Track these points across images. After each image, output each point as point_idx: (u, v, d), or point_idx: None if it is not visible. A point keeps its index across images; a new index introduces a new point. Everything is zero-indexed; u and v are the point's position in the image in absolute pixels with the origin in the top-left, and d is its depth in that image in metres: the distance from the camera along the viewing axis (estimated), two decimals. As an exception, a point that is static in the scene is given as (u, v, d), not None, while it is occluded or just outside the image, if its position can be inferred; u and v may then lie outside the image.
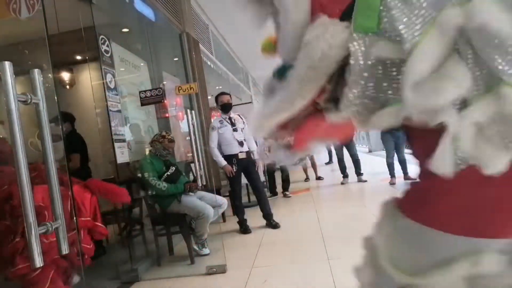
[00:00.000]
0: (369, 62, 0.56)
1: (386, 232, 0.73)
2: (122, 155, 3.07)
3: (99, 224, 2.13)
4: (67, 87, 4.77)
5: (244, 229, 3.84)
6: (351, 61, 0.57)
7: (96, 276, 2.87)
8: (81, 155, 3.51)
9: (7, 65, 0.87)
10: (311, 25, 0.61)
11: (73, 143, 3.48)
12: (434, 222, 0.66)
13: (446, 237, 0.63)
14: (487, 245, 0.61)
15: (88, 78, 3.43)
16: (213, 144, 3.90)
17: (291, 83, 0.66)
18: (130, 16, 3.89)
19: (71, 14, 2.77)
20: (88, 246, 2.04)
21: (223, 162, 3.87)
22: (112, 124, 2.96)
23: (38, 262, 0.88)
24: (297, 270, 2.53)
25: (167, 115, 4.37)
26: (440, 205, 0.66)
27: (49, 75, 2.33)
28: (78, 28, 2.78)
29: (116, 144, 2.98)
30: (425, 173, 0.66)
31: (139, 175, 3.15)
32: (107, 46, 3.14)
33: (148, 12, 4.01)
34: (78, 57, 4.52)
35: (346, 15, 0.58)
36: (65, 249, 1.00)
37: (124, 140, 3.17)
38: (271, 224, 3.85)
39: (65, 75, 4.72)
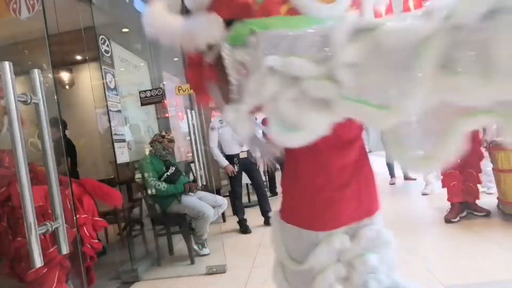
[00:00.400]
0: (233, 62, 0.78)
1: (276, 233, 1.00)
2: (122, 155, 3.07)
3: (98, 218, 2.14)
4: (67, 87, 4.76)
5: (244, 229, 3.84)
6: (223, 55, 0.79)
7: (96, 276, 2.86)
8: (71, 160, 3.51)
9: (7, 65, 0.87)
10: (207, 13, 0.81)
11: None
12: (293, 220, 0.93)
13: (303, 232, 0.89)
14: (332, 234, 0.87)
15: (88, 78, 3.43)
16: (213, 144, 3.90)
17: None
18: (130, 16, 3.89)
19: (71, 14, 2.77)
20: (96, 241, 2.07)
21: (225, 162, 3.87)
22: (112, 124, 2.96)
23: (38, 262, 0.88)
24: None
25: (167, 115, 4.37)
26: (294, 207, 0.95)
27: (49, 75, 2.33)
28: (78, 28, 2.79)
29: (116, 144, 2.98)
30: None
31: (139, 175, 3.15)
32: (107, 46, 3.14)
33: (148, 12, 4.00)
34: (78, 57, 4.51)
35: (228, 23, 0.79)
36: (65, 249, 1.00)
37: (124, 140, 3.17)
38: (270, 223, 3.83)
39: (65, 75, 4.72)
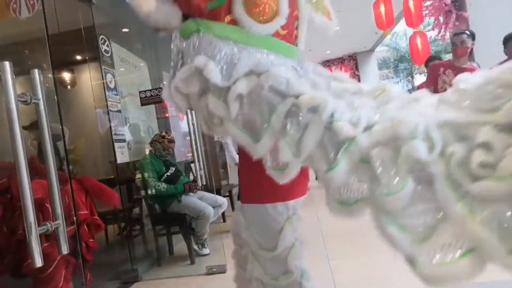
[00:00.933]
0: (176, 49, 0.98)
1: (240, 221, 1.09)
2: (122, 155, 3.07)
3: (97, 217, 2.15)
4: (67, 87, 4.76)
5: None
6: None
7: (96, 276, 2.87)
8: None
9: (7, 65, 0.87)
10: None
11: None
12: (256, 199, 1.06)
13: (268, 207, 1.04)
14: (290, 205, 1.05)
15: (88, 78, 3.43)
16: (229, 140, 3.82)
17: None
18: (130, 16, 3.87)
19: (71, 14, 2.77)
20: (92, 240, 2.07)
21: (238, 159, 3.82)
22: (112, 124, 2.96)
23: (38, 262, 0.88)
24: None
25: (167, 115, 4.37)
26: (253, 187, 1.08)
27: (49, 75, 2.33)
28: (78, 28, 2.78)
29: (116, 144, 2.98)
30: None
31: (139, 175, 3.15)
32: (107, 46, 3.14)
33: (148, 12, 4.00)
34: (78, 57, 4.51)
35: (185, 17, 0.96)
36: (65, 249, 1.00)
37: (124, 140, 3.17)
38: None
39: (65, 75, 4.71)
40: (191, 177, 3.89)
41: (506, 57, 3.33)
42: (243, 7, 0.89)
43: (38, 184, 1.67)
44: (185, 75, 0.88)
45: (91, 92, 3.17)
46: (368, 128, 0.73)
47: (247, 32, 0.89)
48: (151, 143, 3.27)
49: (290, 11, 0.95)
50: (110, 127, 2.94)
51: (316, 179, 7.22)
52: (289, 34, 0.97)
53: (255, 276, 1.08)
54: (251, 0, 0.89)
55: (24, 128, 1.32)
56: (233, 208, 4.26)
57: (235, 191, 4.62)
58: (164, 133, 3.27)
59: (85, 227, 2.02)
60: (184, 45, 0.93)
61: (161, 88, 3.59)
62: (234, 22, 0.90)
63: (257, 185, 1.05)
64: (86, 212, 2.05)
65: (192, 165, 3.56)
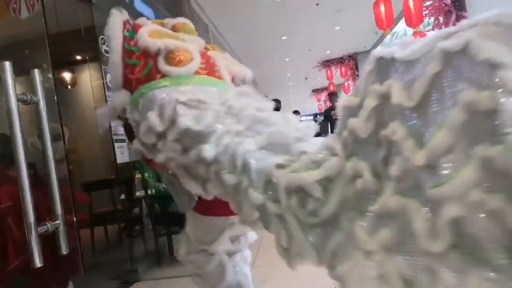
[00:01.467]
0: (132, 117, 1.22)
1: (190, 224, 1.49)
2: (122, 155, 3.07)
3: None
4: (67, 87, 4.76)
5: None
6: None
7: (96, 276, 2.86)
8: None
9: (7, 65, 0.87)
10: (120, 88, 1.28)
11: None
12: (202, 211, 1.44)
13: (209, 218, 1.43)
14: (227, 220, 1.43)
15: (88, 78, 3.43)
16: None
17: None
18: (130, 16, 3.88)
19: (71, 14, 2.77)
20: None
21: None
22: (112, 124, 2.95)
23: (38, 262, 0.88)
24: (297, 270, 2.53)
25: (167, 115, 4.36)
26: (203, 202, 1.36)
27: (49, 75, 2.33)
28: (78, 28, 2.78)
29: (116, 144, 2.97)
30: None
31: (139, 175, 3.14)
32: (107, 46, 3.14)
33: (148, 12, 4.01)
34: (78, 57, 4.51)
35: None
36: (65, 249, 1.00)
37: (124, 140, 3.16)
38: None
39: (65, 75, 4.71)
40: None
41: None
42: (165, 63, 1.20)
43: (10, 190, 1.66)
44: (143, 131, 1.12)
45: (91, 92, 3.17)
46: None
47: (175, 77, 1.19)
48: (151, 143, 3.25)
49: (207, 59, 1.29)
50: (110, 127, 2.94)
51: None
52: (210, 73, 1.28)
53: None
54: (168, 57, 1.21)
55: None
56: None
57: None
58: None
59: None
60: (135, 114, 1.20)
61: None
62: (164, 75, 1.20)
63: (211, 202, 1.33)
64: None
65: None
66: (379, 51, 0.65)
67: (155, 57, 1.21)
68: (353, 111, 0.68)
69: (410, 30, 5.97)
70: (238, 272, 1.54)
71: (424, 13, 5.48)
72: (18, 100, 0.90)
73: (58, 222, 0.99)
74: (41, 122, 0.99)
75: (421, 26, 5.76)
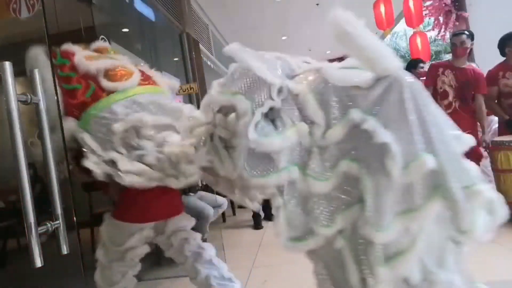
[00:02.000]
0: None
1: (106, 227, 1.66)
2: (122, 155, 3.07)
3: None
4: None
5: (256, 224, 3.92)
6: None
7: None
8: None
9: (7, 65, 0.87)
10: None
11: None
12: (119, 216, 1.59)
13: (124, 224, 1.58)
14: (143, 226, 1.60)
15: (88, 78, 3.42)
16: None
17: None
18: (130, 16, 3.89)
19: (71, 14, 2.77)
20: None
21: None
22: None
23: (38, 262, 0.88)
24: (297, 270, 2.53)
25: (167, 115, 4.35)
26: (120, 207, 1.62)
27: (49, 75, 2.32)
28: (78, 28, 2.78)
29: (116, 144, 2.97)
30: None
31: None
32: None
33: (148, 12, 4.01)
34: (78, 57, 4.50)
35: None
36: (65, 249, 1.00)
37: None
38: (270, 218, 3.85)
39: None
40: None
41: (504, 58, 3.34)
42: (108, 81, 1.36)
43: None
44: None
45: (91, 92, 3.16)
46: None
47: (122, 91, 1.36)
48: (151, 143, 3.26)
49: (142, 71, 1.53)
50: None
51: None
52: (151, 83, 1.52)
53: None
54: (109, 75, 1.37)
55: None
56: (233, 208, 4.26)
57: (235, 191, 4.60)
58: (164, 133, 3.26)
59: None
60: (85, 136, 1.35)
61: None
62: (110, 92, 1.35)
63: (123, 208, 1.67)
64: None
65: (192, 165, 3.56)
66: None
67: (96, 78, 1.36)
68: None
69: (410, 30, 5.97)
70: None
71: (424, 13, 5.48)
72: (18, 100, 0.90)
73: (58, 222, 0.99)
74: (41, 122, 0.99)
75: (421, 26, 5.76)
